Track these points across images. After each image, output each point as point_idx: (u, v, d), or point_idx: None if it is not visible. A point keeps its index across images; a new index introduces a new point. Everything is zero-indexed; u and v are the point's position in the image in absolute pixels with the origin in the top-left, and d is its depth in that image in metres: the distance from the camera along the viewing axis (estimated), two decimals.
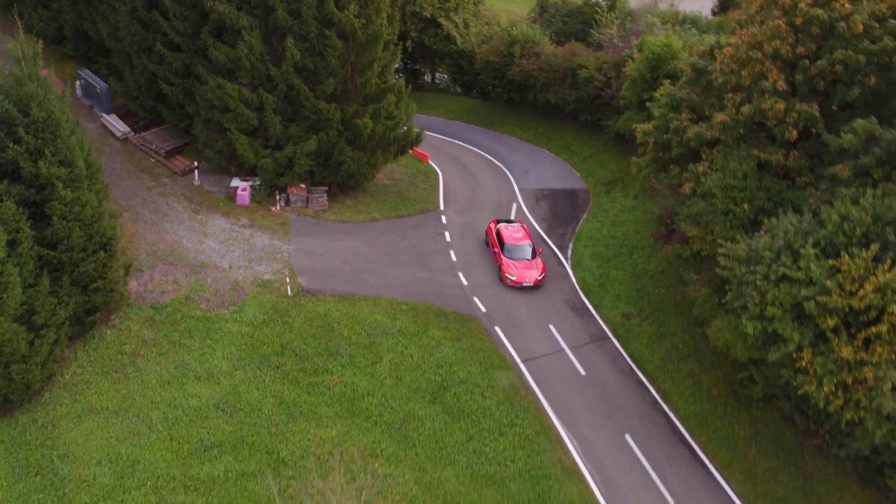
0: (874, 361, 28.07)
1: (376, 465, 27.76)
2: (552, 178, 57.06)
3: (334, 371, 36.15)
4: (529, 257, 44.56)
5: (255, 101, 45.05)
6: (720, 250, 33.98)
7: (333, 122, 46.26)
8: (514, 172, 57.70)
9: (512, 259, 44.19)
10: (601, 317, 42.01)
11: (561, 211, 52.55)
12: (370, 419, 33.97)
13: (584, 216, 51.75)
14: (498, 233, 45.98)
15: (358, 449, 27.96)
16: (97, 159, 36.94)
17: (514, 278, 43.27)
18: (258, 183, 47.73)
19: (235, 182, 47.83)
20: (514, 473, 32.56)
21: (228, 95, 44.25)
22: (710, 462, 34.16)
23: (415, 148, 52.56)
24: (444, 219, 49.78)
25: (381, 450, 32.15)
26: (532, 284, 43.34)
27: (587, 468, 33.34)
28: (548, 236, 49.35)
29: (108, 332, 37.21)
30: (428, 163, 57.74)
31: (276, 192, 47.55)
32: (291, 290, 40.47)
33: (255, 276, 41.06)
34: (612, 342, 40.32)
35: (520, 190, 55.03)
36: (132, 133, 51.54)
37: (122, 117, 52.69)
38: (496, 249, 45.26)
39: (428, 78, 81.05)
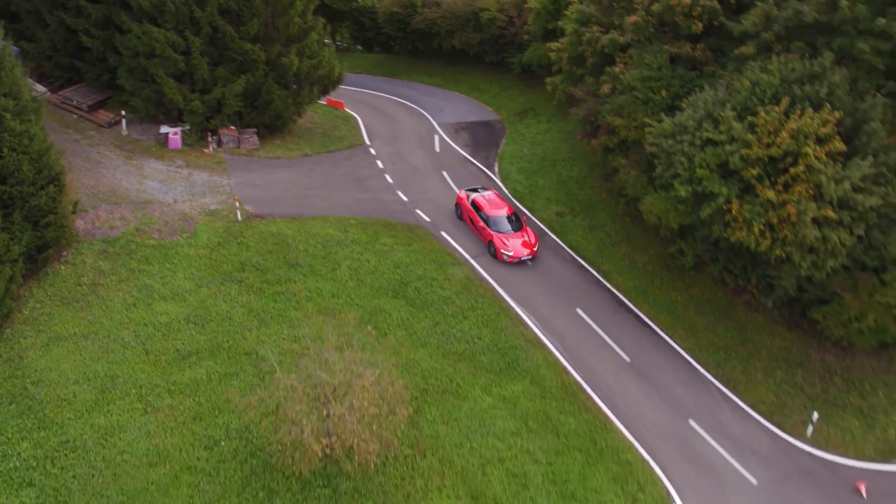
0: (795, 199, 31.05)
1: (369, 327, 28.91)
2: (466, 114, 59.04)
3: (297, 280, 36.95)
4: (518, 227, 41.04)
5: (181, 45, 45.08)
6: (647, 129, 36.59)
7: (259, 63, 46.76)
8: (430, 111, 59.35)
9: (501, 233, 40.47)
10: (536, 217, 44.37)
11: (481, 138, 54.54)
12: (339, 317, 34.96)
13: (504, 141, 53.98)
14: (475, 205, 42.10)
15: (352, 316, 28.97)
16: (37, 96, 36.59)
17: (510, 254, 39.63)
18: (188, 128, 47.75)
19: (164, 129, 47.61)
20: (483, 348, 34.31)
21: (155, 40, 44.14)
22: (655, 325, 36.85)
23: (338, 86, 53.45)
24: (372, 151, 50.97)
25: (355, 340, 33.23)
26: (530, 257, 40.25)
27: (547, 338, 35.46)
28: (474, 158, 51.27)
29: (63, 267, 36.78)
30: (344, 110, 58.70)
31: (208, 135, 47.74)
32: (241, 215, 40.95)
33: (201, 208, 41.30)
34: (550, 237, 42.66)
35: (438, 124, 56.73)
36: (49, 93, 50.57)
37: (37, 80, 51.57)
38: (480, 224, 41.29)
39: (328, 41, 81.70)
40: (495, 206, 41.68)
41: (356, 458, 25.82)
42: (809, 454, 31.80)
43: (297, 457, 26.71)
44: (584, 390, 33.06)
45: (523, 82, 60.82)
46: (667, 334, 36.37)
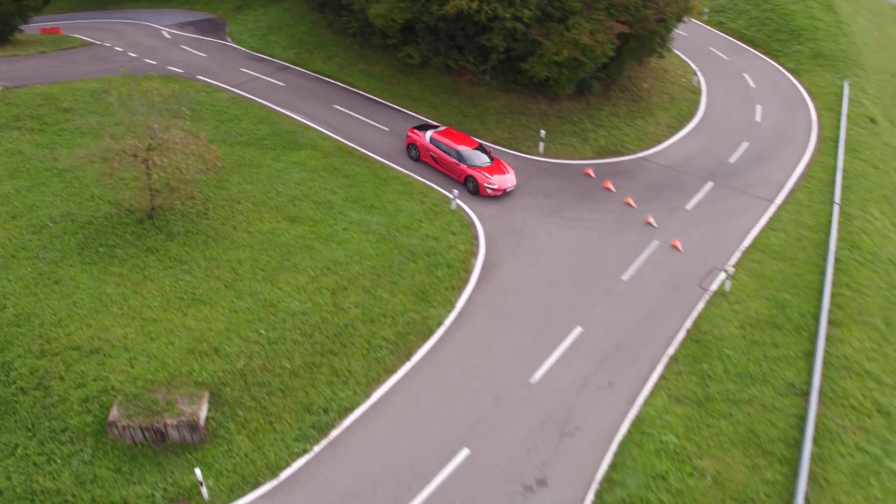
0: None
1: (173, 86, 31.65)
2: (185, 17, 60.89)
3: (75, 119, 38.15)
4: (491, 159, 37.52)
5: None
6: None
7: None
8: (150, 21, 60.76)
9: (478, 167, 36.75)
10: (277, 58, 48.72)
11: (206, 28, 57.09)
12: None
13: (228, 25, 57.15)
14: (438, 143, 37.81)
15: (156, 82, 31.78)
16: None
17: (495, 186, 36.13)
18: None
19: None
20: (263, 136, 38.22)
21: None
22: (402, 108, 42.90)
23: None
24: (107, 44, 51.94)
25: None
26: (511, 188, 36.87)
27: (317, 124, 40.21)
28: (205, 37, 54.19)
29: None
30: (62, 33, 58.64)
31: None
32: None
33: None
34: (295, 69, 47.15)
35: (161, 26, 58.49)
36: None
37: None
38: (450, 160, 37.23)
39: None
40: (462, 141, 38.01)
41: (185, 180, 29.14)
42: (546, 161, 39.93)
43: (132, 194, 29.56)
44: (358, 150, 38.28)
45: None
46: (413, 112, 42.56)
